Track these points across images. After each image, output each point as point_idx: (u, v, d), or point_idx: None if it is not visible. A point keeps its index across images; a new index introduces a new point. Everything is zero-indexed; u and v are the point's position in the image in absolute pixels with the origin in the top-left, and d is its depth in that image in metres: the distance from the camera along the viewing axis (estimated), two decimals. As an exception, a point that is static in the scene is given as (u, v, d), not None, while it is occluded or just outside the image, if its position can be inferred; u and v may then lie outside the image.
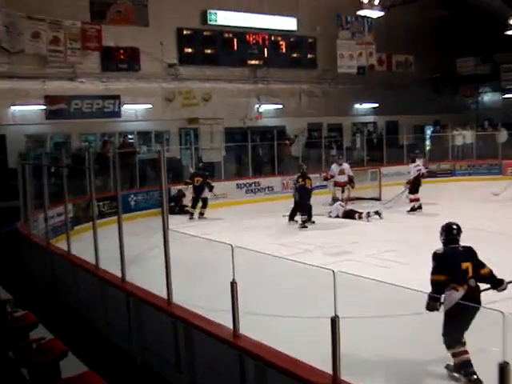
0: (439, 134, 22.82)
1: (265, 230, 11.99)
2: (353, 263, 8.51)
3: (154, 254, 8.38)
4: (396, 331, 5.61)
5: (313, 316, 5.88)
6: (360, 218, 12.91)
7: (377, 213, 12.88)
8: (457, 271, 4.72)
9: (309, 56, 22.23)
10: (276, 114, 21.73)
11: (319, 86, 22.49)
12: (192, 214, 14.16)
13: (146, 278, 6.52)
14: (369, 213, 12.88)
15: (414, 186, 13.60)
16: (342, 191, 14.76)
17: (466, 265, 4.74)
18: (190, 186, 14.38)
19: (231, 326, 4.34)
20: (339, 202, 13.87)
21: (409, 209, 13.54)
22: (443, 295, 4.71)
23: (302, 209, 12.34)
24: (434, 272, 4.79)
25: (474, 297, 4.67)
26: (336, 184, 14.95)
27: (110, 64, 17.79)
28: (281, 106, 21.60)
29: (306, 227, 12.14)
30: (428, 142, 22.89)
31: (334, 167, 15.00)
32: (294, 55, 21.80)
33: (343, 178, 14.74)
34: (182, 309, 5.11)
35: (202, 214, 14.25)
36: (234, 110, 20.11)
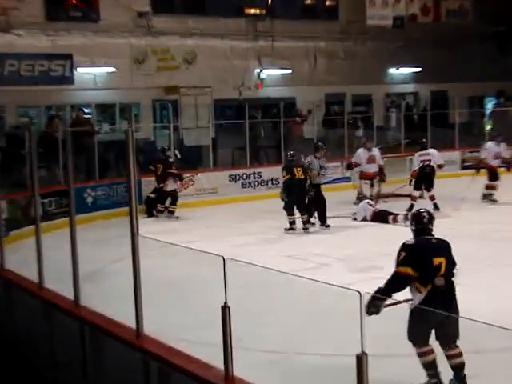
0: (504, 108, 22.82)
1: (267, 237, 12.05)
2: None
3: (118, 268, 8.41)
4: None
5: (330, 353, 5.92)
6: (395, 221, 12.94)
7: (418, 215, 12.91)
8: (427, 267, 5.11)
9: (327, 3, 22.26)
10: (283, 82, 21.76)
11: (341, 43, 22.52)
12: (161, 212, 14.57)
13: (108, 300, 6.55)
14: (407, 215, 12.88)
15: (417, 180, 14.13)
16: (371, 185, 14.75)
17: (439, 260, 5.16)
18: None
19: (222, 366, 4.37)
20: (367, 201, 13.90)
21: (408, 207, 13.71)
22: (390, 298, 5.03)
23: (293, 208, 12.47)
24: (401, 263, 5.18)
25: (439, 298, 5.00)
26: (363, 176, 14.95)
27: (58, 11, 17.76)
28: (289, 71, 21.62)
29: (306, 229, 12.42)
30: (488, 120, 22.90)
31: (361, 153, 15.01)
32: (308, 2, 21.82)
33: (373, 168, 14.74)
34: (155, 342, 5.13)
35: (171, 212, 14.56)
36: (226, 76, 20.14)
